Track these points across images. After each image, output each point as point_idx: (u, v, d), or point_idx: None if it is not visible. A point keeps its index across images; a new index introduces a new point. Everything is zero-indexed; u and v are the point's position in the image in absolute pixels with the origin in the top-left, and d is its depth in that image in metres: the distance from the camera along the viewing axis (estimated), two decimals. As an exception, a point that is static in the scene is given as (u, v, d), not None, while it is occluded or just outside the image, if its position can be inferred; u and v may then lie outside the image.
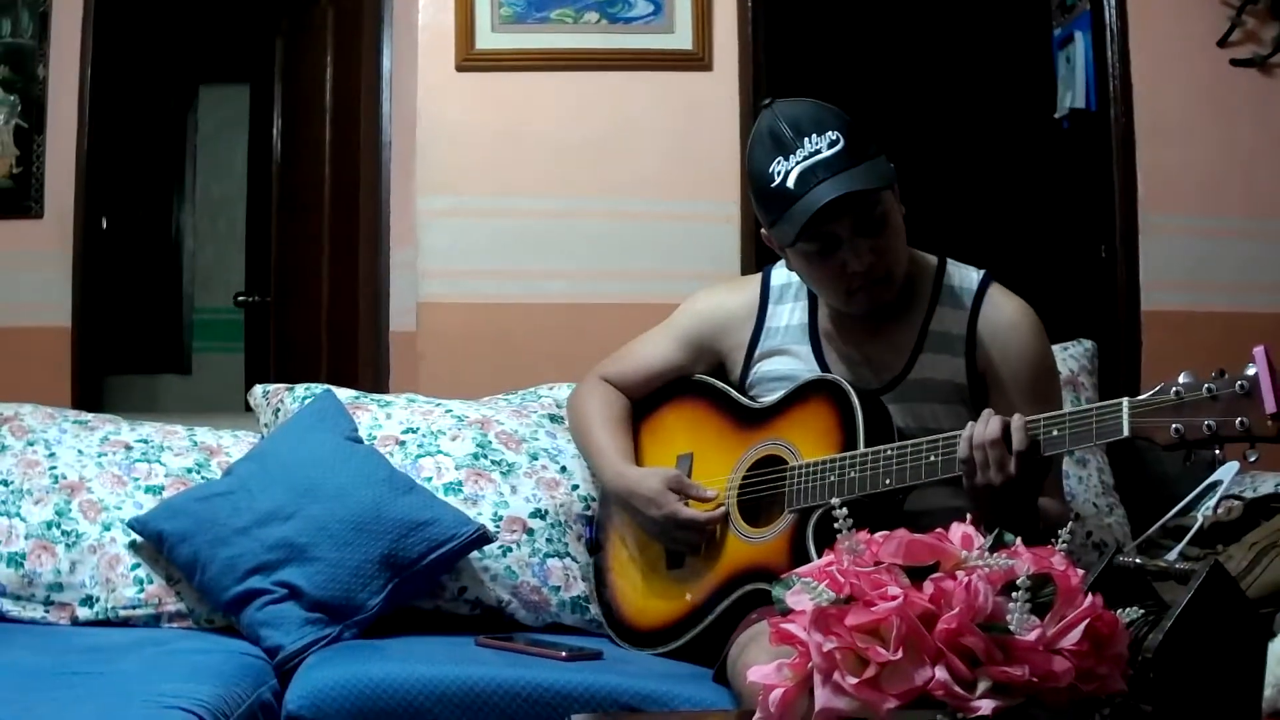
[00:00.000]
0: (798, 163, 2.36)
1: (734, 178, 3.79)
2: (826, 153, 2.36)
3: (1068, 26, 4.28)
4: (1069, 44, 4.22)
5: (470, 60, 3.80)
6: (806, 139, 2.38)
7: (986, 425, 2.16)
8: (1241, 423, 1.90)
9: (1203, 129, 3.83)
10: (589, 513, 2.86)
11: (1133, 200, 3.84)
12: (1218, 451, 1.95)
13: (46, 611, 2.72)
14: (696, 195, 3.83)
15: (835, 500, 1.53)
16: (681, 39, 3.82)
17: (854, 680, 1.31)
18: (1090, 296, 4.03)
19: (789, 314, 2.59)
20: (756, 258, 3.70)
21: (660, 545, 2.61)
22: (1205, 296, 3.81)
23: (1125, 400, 2.04)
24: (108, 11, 4.03)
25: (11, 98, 3.95)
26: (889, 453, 2.29)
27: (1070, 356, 3.00)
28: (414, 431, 2.92)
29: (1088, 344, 3.10)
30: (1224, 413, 1.91)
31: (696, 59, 3.82)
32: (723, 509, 2.50)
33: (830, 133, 2.37)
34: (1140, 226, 3.84)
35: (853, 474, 2.31)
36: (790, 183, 2.35)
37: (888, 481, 2.28)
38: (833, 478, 2.34)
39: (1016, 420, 2.14)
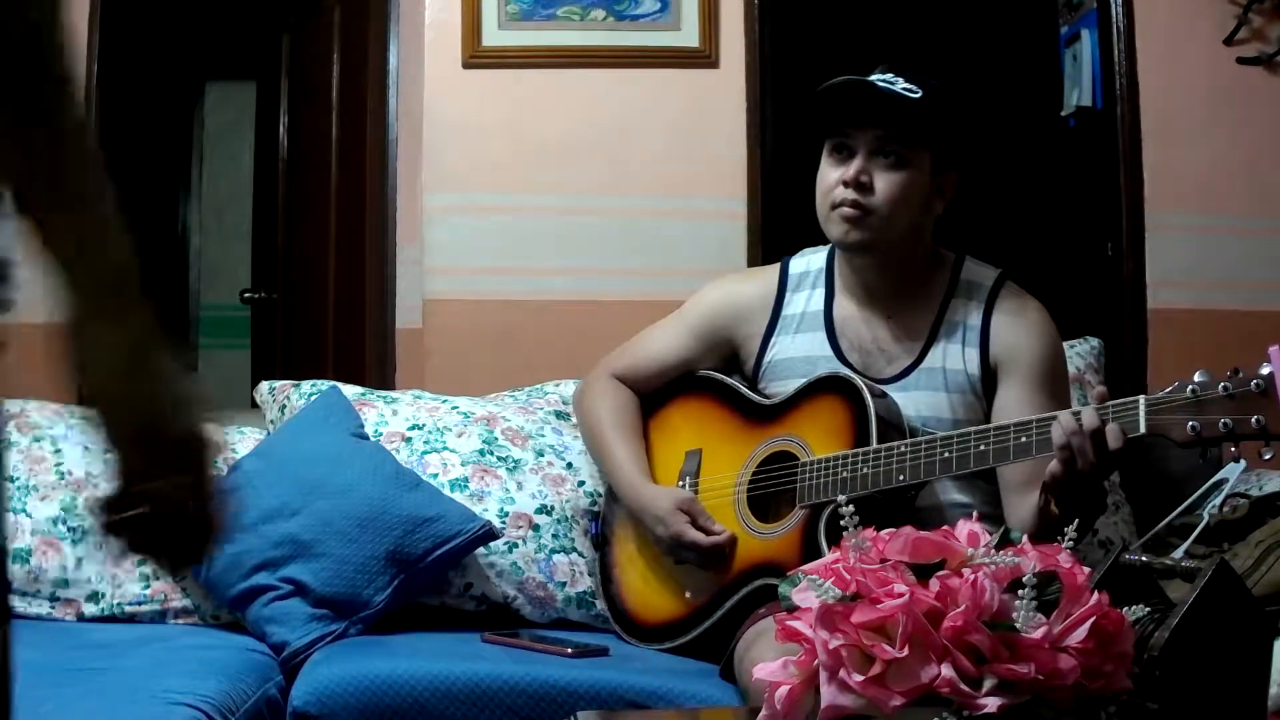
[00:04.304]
0: (863, 75, 2.43)
1: (741, 174, 3.79)
2: (897, 86, 2.38)
3: (1074, 24, 4.27)
4: (1075, 42, 4.21)
5: (477, 57, 3.80)
6: (889, 74, 2.42)
7: (1080, 417, 2.12)
8: (1258, 421, 1.94)
9: (1209, 127, 3.82)
10: (595, 508, 2.86)
11: (1139, 198, 3.83)
12: (1233, 449, 1.97)
13: (52, 607, 2.73)
14: (703, 192, 3.82)
15: (842, 497, 1.53)
16: (688, 36, 3.81)
17: (860, 677, 1.31)
18: (1096, 294, 4.03)
19: (805, 301, 2.59)
20: (763, 255, 3.70)
21: None
22: (1211, 295, 3.80)
23: (1142, 398, 2.06)
24: (114, 8, 4.03)
25: (18, 94, 3.95)
26: (902, 449, 2.29)
27: (1076, 354, 3.00)
28: (420, 428, 2.93)
29: (1094, 342, 3.11)
30: (1240, 411, 1.94)
31: (703, 56, 3.82)
32: (727, 534, 2.50)
33: (914, 84, 2.40)
34: (1146, 224, 3.83)
35: (865, 470, 2.31)
36: (845, 76, 2.43)
37: (901, 478, 2.28)
38: (845, 474, 2.33)
39: (1112, 427, 2.10)
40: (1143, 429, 2.05)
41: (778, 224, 3.86)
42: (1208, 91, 3.82)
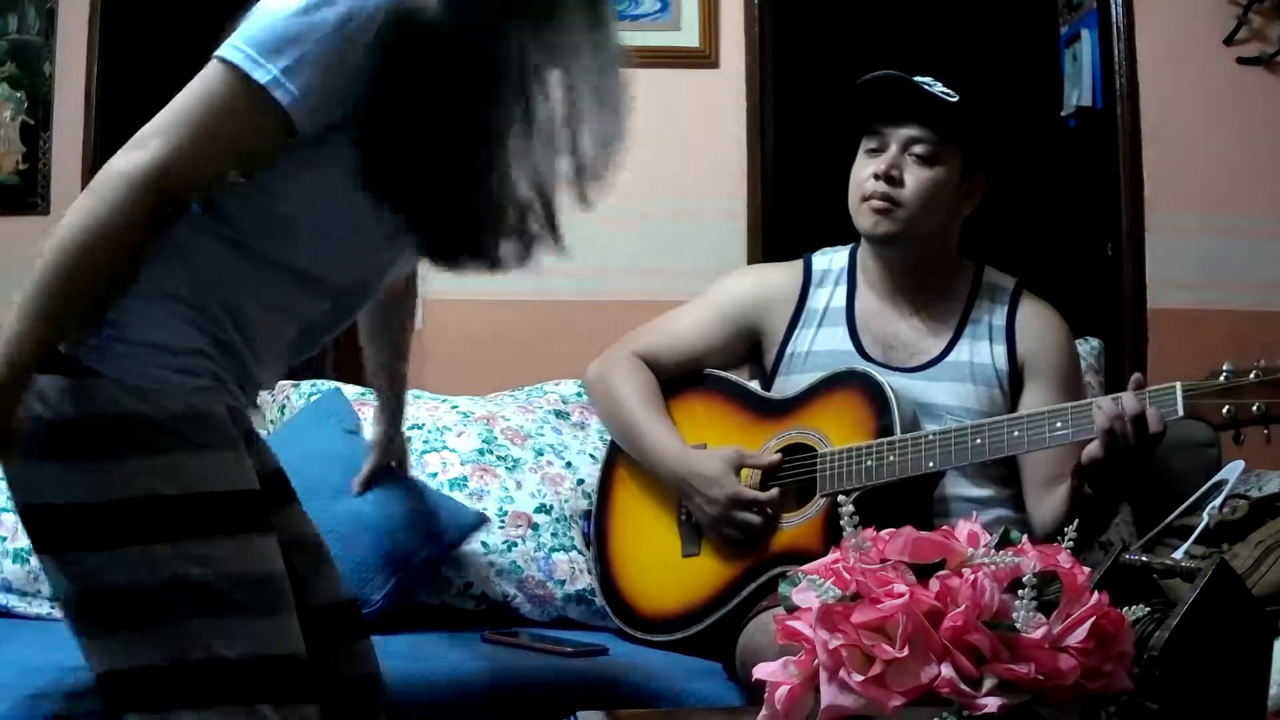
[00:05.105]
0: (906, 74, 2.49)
1: (741, 174, 3.80)
2: (936, 88, 2.43)
3: (1074, 24, 4.27)
4: (1075, 42, 4.22)
5: (477, 57, 3.80)
6: (928, 78, 2.48)
7: (1121, 402, 2.18)
8: None
9: (1209, 127, 3.83)
10: (588, 508, 2.85)
11: (1139, 198, 3.84)
12: (1265, 431, 2.11)
13: (52, 607, 2.72)
14: (703, 192, 3.82)
15: (842, 496, 1.53)
16: (688, 36, 3.82)
17: (860, 678, 1.31)
18: (1097, 295, 4.03)
19: (828, 297, 2.62)
20: (764, 255, 3.71)
21: (675, 532, 2.60)
22: (1212, 295, 3.81)
23: (1178, 384, 2.16)
24: (115, 7, 4.03)
25: (18, 94, 3.95)
26: (930, 436, 2.31)
27: (1077, 355, 3.01)
28: (419, 427, 2.93)
29: (1094, 342, 3.11)
30: (1272, 395, 2.09)
31: (703, 56, 3.82)
32: (776, 490, 2.48)
33: (952, 89, 2.45)
34: (1147, 224, 3.84)
35: (892, 458, 2.32)
36: (886, 70, 2.50)
37: (931, 464, 2.30)
38: (870, 462, 2.34)
39: (1152, 411, 2.17)
40: (1181, 413, 2.15)
41: (778, 224, 3.86)
42: (1208, 91, 3.83)
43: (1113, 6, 3.87)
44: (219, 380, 1.76)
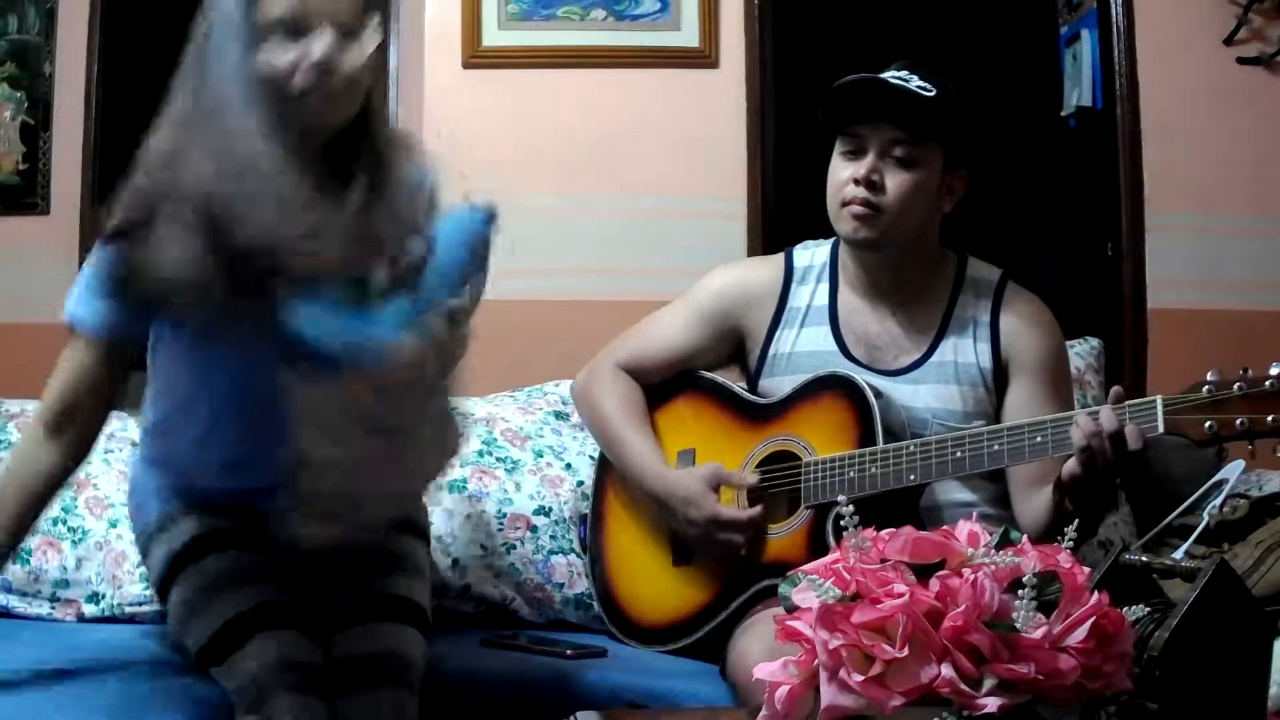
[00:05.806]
0: (878, 73, 2.43)
1: (741, 174, 3.80)
2: (911, 84, 2.39)
3: (1074, 24, 4.28)
4: (1075, 42, 4.22)
5: (477, 58, 3.80)
6: (903, 71, 2.42)
7: (1099, 418, 2.15)
8: (1273, 419, 2.01)
9: (1209, 127, 3.83)
10: (583, 511, 2.84)
11: (1139, 198, 3.84)
12: (1249, 446, 2.04)
13: (53, 608, 2.72)
14: (703, 192, 3.82)
15: (842, 497, 1.53)
16: (688, 36, 3.82)
17: (860, 678, 1.31)
18: (1097, 295, 4.03)
19: (810, 294, 2.58)
20: (763, 254, 3.70)
21: (666, 542, 2.60)
22: (1212, 295, 3.81)
23: (1159, 398, 2.11)
24: (115, 7, 4.03)
25: (18, 94, 3.95)
26: (912, 449, 2.29)
27: (1076, 355, 3.00)
28: (420, 428, 2.92)
29: (1094, 342, 3.11)
30: (1256, 410, 2.02)
31: (703, 56, 3.82)
32: (760, 507, 2.47)
33: (930, 84, 2.40)
34: (1147, 224, 3.84)
35: (874, 469, 2.31)
36: (860, 74, 2.43)
37: (912, 477, 2.29)
38: (852, 473, 2.33)
39: (1131, 428, 2.13)
40: (1161, 429, 2.10)
41: (777, 224, 3.86)
42: (1208, 91, 3.83)
43: (1113, 6, 3.87)
44: (168, 512, 2.29)
